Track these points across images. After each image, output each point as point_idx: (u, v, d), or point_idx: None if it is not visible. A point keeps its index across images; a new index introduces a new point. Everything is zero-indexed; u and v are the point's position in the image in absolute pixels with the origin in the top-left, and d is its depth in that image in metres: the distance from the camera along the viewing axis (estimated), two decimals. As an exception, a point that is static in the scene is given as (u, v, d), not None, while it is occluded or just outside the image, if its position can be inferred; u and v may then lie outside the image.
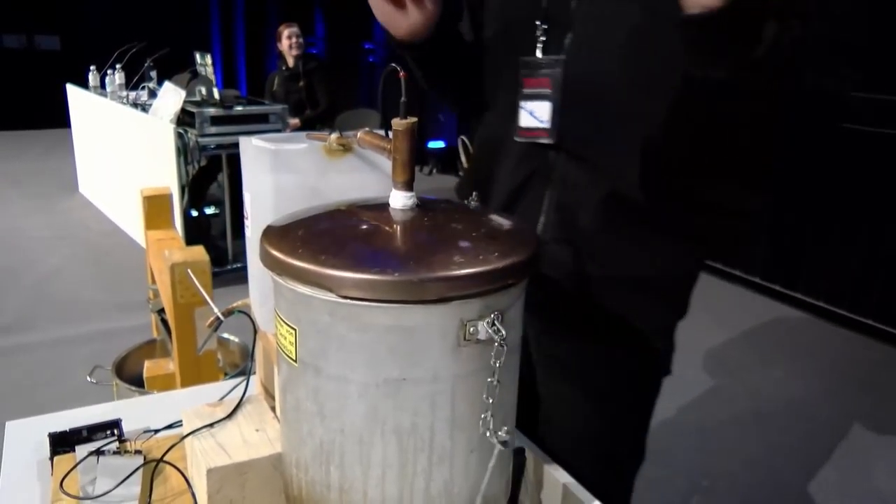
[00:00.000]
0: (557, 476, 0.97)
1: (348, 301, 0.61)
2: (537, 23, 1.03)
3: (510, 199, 1.11)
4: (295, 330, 0.66)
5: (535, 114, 1.05)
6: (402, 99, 0.70)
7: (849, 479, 2.55)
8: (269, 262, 0.66)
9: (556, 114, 1.03)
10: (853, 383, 3.29)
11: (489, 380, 0.65)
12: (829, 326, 3.90)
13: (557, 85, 1.02)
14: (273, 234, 0.69)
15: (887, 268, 3.70)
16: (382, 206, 0.73)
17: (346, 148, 0.87)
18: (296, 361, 0.67)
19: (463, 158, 1.40)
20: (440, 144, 7.30)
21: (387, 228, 0.69)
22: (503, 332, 0.63)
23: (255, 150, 0.88)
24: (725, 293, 4.31)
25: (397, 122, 0.70)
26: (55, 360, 3.09)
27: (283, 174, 0.85)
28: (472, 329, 0.63)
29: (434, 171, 7.21)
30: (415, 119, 0.69)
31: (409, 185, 0.71)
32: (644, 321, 1.09)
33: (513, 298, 0.67)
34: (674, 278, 1.10)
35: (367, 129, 0.81)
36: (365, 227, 0.70)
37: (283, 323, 0.68)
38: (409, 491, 0.66)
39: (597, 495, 0.99)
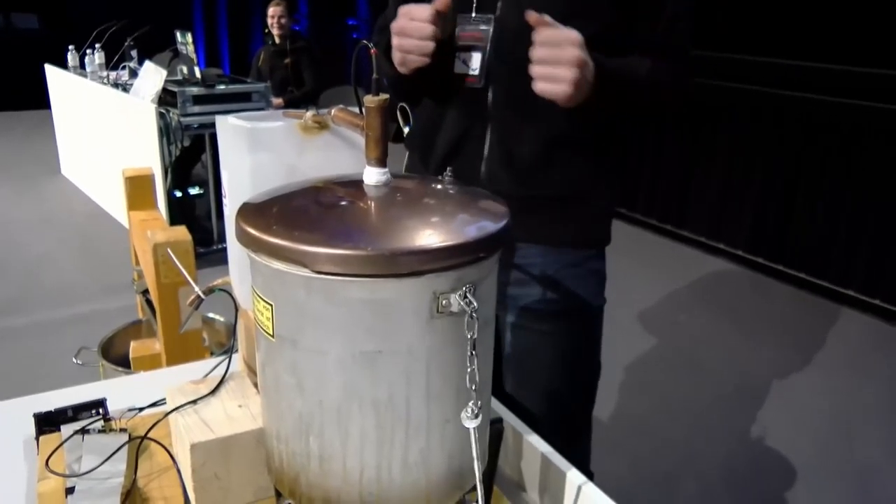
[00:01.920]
0: (536, 445, 0.99)
1: (322, 276, 0.62)
2: None
3: (457, 142, 1.29)
4: (271, 306, 0.67)
5: (467, 62, 1.24)
6: (374, 76, 0.70)
7: (833, 453, 2.60)
8: (245, 239, 0.67)
9: (485, 62, 1.22)
10: (837, 356, 3.34)
11: (467, 352, 0.66)
12: (812, 299, 3.94)
13: (487, 38, 1.21)
14: (248, 212, 0.70)
15: (871, 240, 3.74)
16: (356, 183, 0.74)
17: (321, 125, 0.88)
18: (273, 336, 0.68)
19: (401, 121, 1.49)
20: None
21: (360, 204, 0.70)
22: (475, 305, 0.64)
23: (231, 129, 0.89)
24: (708, 266, 4.35)
25: (369, 99, 0.70)
26: (43, 343, 3.10)
27: (260, 152, 0.86)
28: (444, 302, 0.64)
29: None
30: (386, 96, 0.70)
31: (381, 162, 0.72)
32: (575, 230, 1.30)
33: (485, 271, 0.68)
34: (594, 193, 1.30)
35: (341, 105, 0.81)
36: (338, 203, 0.70)
37: (259, 299, 0.69)
38: (386, 460, 0.68)
39: (562, 412, 1.32)
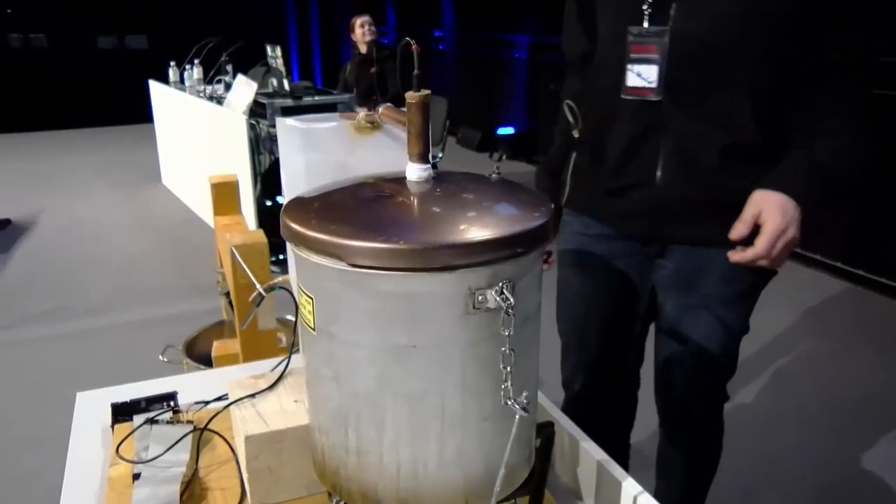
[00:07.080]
0: (592, 452, 0.96)
1: (356, 269, 0.62)
2: None
3: (627, 151, 1.31)
4: (312, 299, 0.68)
5: (643, 75, 1.24)
6: (416, 72, 0.71)
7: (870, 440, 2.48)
8: (288, 234, 0.68)
9: (663, 75, 1.22)
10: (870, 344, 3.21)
11: (502, 349, 0.65)
12: (872, 295, 3.77)
13: (664, 51, 1.21)
14: (292, 208, 0.71)
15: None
16: (398, 179, 0.74)
17: (374, 125, 0.89)
18: (314, 329, 0.69)
19: (571, 120, 1.56)
20: (510, 131, 7.25)
21: (398, 199, 0.70)
22: (511, 301, 0.63)
23: (288, 130, 0.92)
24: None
25: (411, 95, 0.71)
26: (133, 340, 3.26)
27: (313, 152, 0.88)
28: (480, 297, 0.63)
29: (504, 157, 7.17)
30: (427, 91, 0.70)
31: (423, 157, 0.72)
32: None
33: (524, 267, 0.67)
34: None
35: (388, 104, 0.82)
36: (378, 198, 0.71)
37: (302, 292, 0.70)
38: (422, 455, 0.68)
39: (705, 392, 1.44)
